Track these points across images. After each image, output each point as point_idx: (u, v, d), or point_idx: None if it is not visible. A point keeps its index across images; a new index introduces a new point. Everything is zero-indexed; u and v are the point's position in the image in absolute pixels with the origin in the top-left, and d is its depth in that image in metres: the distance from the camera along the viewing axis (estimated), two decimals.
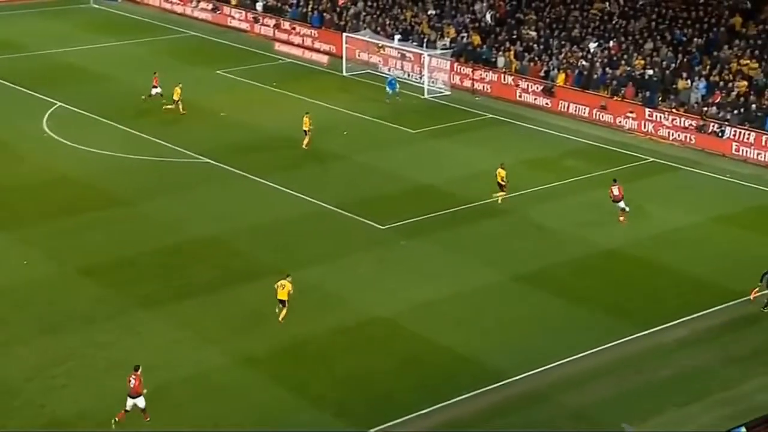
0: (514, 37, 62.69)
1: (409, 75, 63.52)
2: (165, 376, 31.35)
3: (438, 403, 30.26)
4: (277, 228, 42.16)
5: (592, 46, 59.56)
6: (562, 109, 57.62)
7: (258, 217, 43.18)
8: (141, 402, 29.32)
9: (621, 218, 42.61)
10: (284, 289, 34.41)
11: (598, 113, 56.15)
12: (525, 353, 32.78)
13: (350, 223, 42.45)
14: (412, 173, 48.15)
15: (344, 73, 64.87)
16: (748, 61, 53.92)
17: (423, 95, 60.62)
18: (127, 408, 29.27)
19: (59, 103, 57.34)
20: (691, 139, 52.60)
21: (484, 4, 66.47)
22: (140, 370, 29.62)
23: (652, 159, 50.50)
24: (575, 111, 57.09)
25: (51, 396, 30.49)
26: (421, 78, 62.16)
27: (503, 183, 44.34)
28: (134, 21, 78.82)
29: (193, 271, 38.31)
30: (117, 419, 29.12)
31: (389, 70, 64.18)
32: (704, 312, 35.59)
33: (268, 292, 36.25)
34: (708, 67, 54.82)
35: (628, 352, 33.16)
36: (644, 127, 54.28)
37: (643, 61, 56.69)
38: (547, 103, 58.32)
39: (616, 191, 42.73)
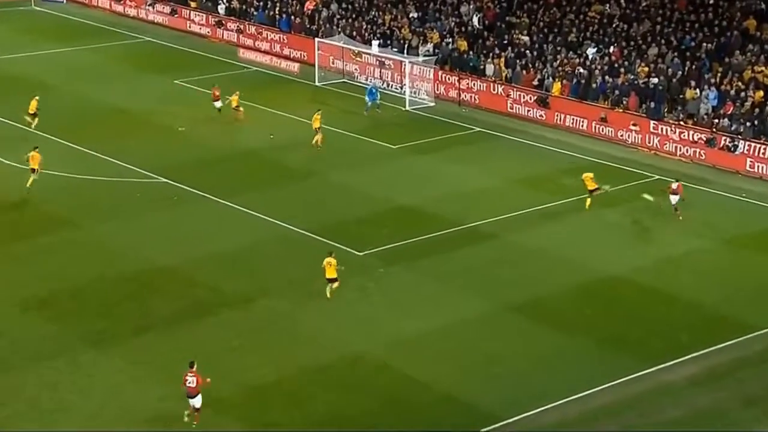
0: (505, 42, 63.13)
1: (389, 85, 63.89)
2: (120, 419, 31.36)
3: None
4: (244, 255, 42.30)
5: (591, 52, 60.03)
6: (558, 122, 58.04)
7: (222, 242, 43.31)
8: (198, 402, 30.61)
9: (678, 213, 45.37)
10: (332, 266, 37.79)
11: (597, 126, 56.59)
12: (518, 392, 32.94)
13: (324, 248, 42.47)
14: (393, 193, 48.42)
15: (317, 83, 65.20)
16: (763, 68, 54.36)
17: (404, 107, 60.97)
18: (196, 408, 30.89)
19: None
20: (700, 155, 53.08)
21: (471, 7, 66.97)
22: (195, 366, 30.82)
23: (657, 176, 50.80)
24: (572, 123, 57.56)
25: None
26: (402, 88, 62.53)
27: (595, 187, 46.23)
28: (82, 25, 78.94)
29: (150, 303, 38.36)
30: (195, 424, 30.70)
31: (367, 79, 64.54)
32: (717, 346, 35.82)
33: (233, 325, 36.38)
34: (719, 74, 55.30)
35: (632, 390, 33.31)
36: (649, 141, 54.74)
37: (647, 69, 57.15)
38: (541, 115, 58.75)
39: (675, 186, 45.50)
